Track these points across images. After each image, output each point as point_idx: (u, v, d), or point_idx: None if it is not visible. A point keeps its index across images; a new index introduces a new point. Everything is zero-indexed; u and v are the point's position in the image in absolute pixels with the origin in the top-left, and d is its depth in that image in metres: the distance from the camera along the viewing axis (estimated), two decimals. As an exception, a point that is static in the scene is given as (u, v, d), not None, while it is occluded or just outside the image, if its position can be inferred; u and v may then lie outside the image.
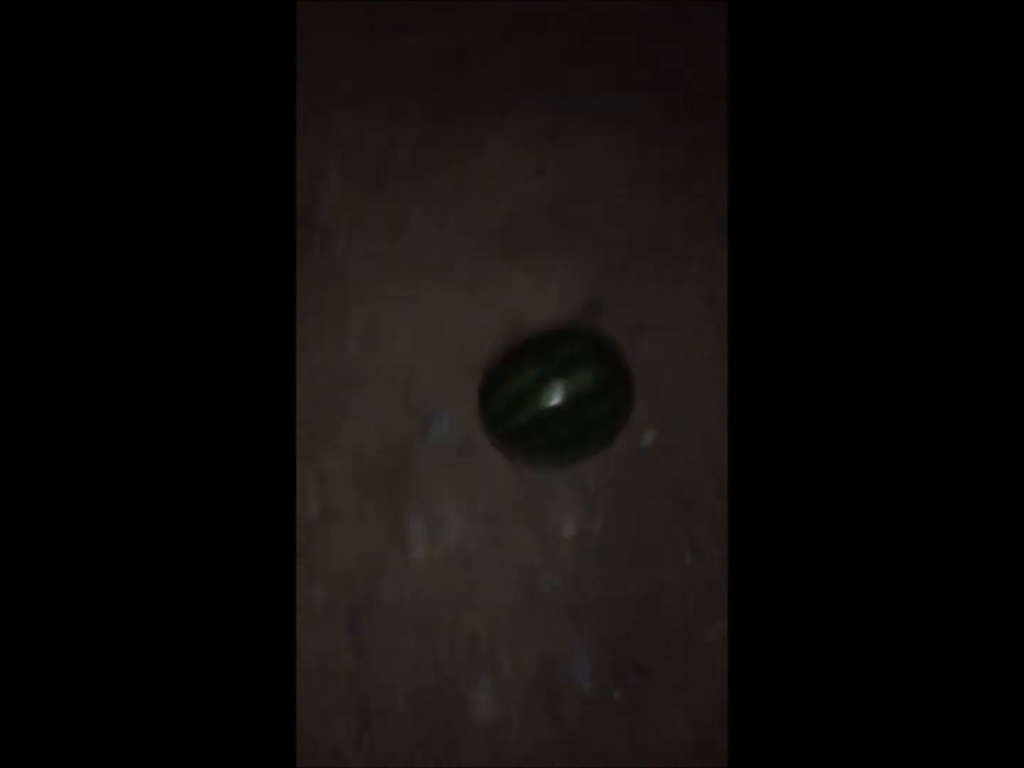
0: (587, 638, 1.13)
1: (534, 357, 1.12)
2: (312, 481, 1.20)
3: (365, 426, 1.23)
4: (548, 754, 1.07)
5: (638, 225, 1.35)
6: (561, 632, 1.13)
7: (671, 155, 1.38)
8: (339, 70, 1.46)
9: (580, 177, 1.39)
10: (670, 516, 1.22)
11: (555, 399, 1.07)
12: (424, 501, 1.20)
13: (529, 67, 1.45)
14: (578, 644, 1.12)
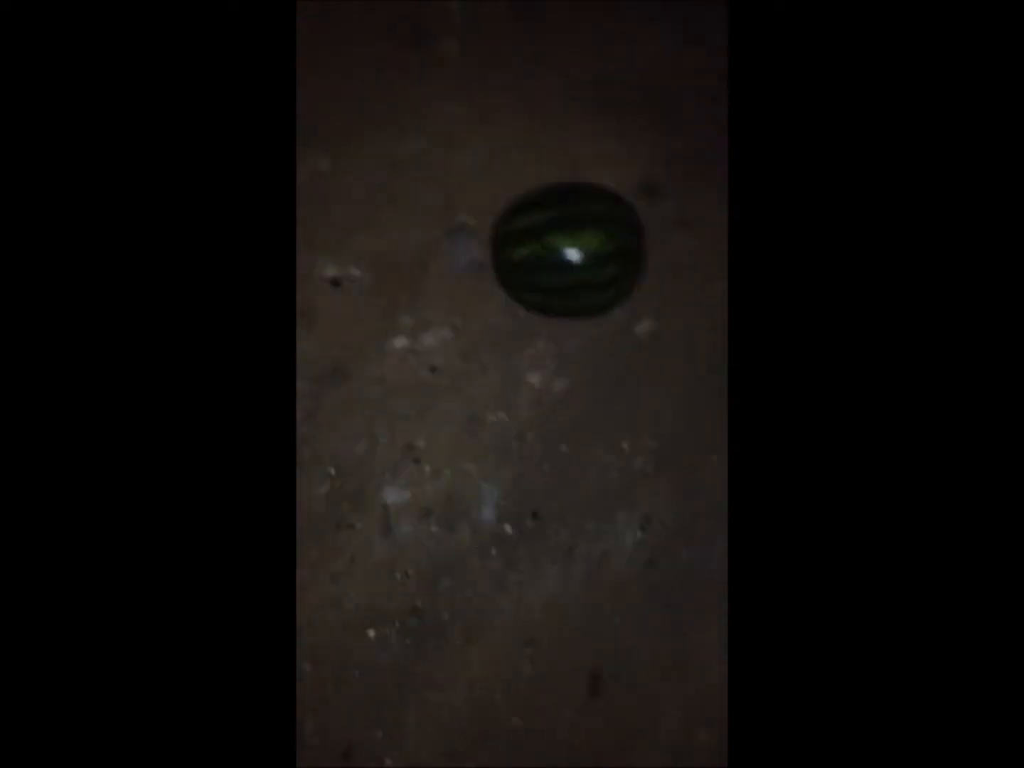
0: (501, 478, 1.19)
1: (554, 201, 1.14)
2: (331, 266, 1.28)
3: (395, 233, 1.29)
4: (437, 555, 1.16)
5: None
6: (486, 463, 1.20)
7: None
8: None
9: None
10: (628, 406, 1.24)
11: (557, 246, 1.09)
12: (420, 306, 1.26)
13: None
14: (491, 483, 1.19)
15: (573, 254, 1.09)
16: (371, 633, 1.10)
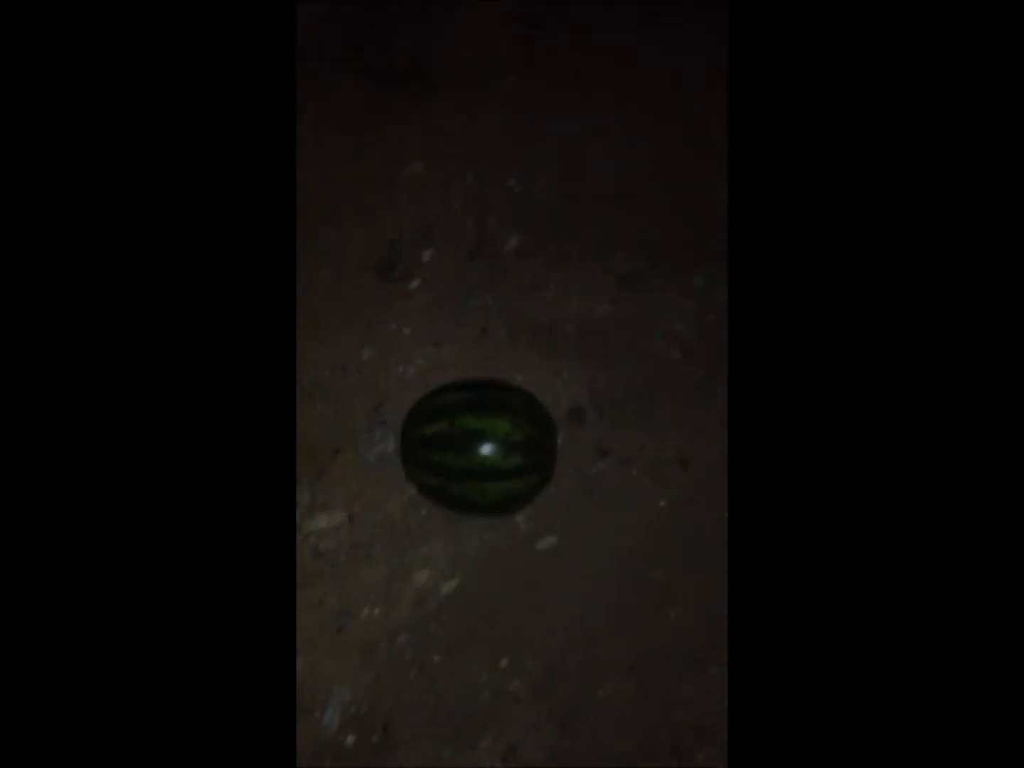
0: (359, 681, 1.08)
1: (471, 387, 1.20)
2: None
3: (318, 420, 1.35)
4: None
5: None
6: (345, 661, 1.10)
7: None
8: None
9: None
10: (516, 622, 1.15)
11: (466, 426, 1.10)
12: (322, 487, 1.27)
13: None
14: (344, 684, 1.08)
15: (481, 436, 1.10)
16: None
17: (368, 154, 1.66)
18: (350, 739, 1.04)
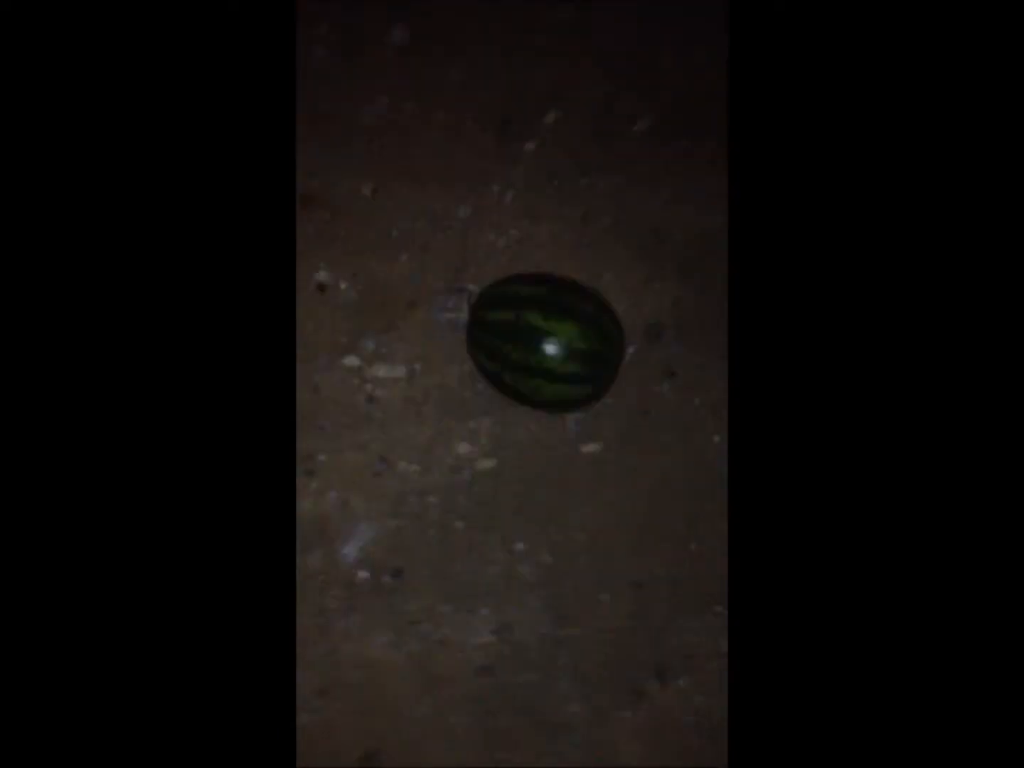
0: (383, 525, 1.14)
1: (546, 284, 1.17)
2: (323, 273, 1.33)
3: (399, 270, 1.34)
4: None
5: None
6: (374, 504, 1.17)
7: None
8: None
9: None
10: (540, 514, 1.18)
11: (532, 324, 1.09)
12: (388, 339, 1.28)
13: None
14: (369, 525, 1.15)
15: (544, 336, 1.09)
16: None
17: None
18: (362, 575, 1.12)
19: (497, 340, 1.13)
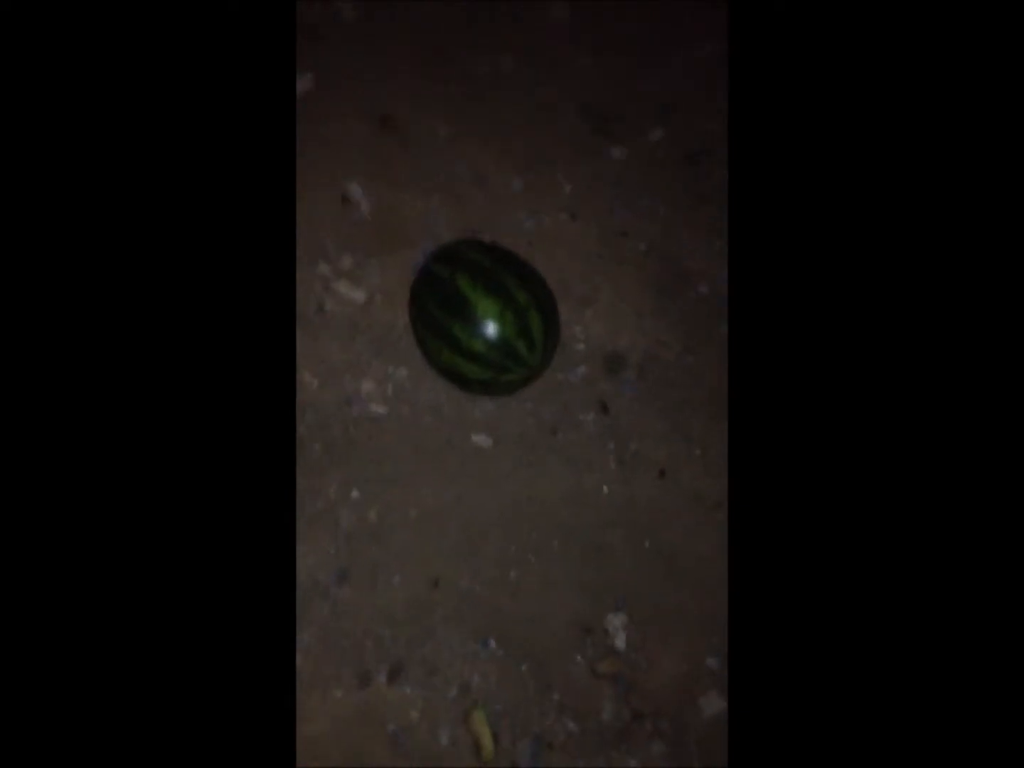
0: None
1: (502, 258, 1.09)
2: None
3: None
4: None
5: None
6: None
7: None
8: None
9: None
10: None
11: (460, 288, 1.02)
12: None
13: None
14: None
15: (465, 306, 1.01)
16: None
17: None
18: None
19: (426, 290, 1.08)
